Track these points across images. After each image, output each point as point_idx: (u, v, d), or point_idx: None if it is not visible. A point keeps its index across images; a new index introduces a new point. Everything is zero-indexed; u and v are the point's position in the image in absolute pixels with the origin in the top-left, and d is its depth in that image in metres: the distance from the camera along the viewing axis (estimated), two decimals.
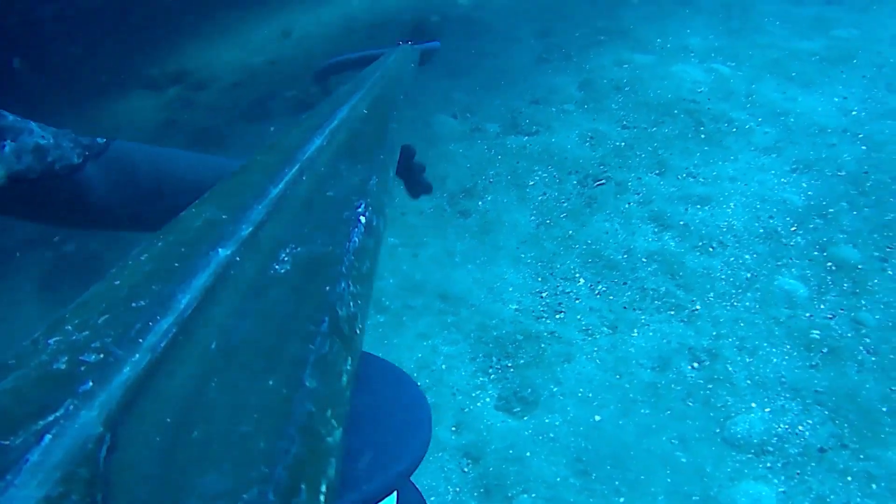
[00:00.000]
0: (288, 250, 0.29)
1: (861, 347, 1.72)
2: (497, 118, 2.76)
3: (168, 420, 0.19)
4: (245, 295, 0.26)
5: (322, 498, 0.18)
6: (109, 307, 0.24)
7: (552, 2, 3.51)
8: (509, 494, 1.52)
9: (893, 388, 1.59)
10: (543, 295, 2.01)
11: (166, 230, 0.31)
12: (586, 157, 2.46)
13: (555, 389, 1.73)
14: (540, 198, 2.36)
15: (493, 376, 1.79)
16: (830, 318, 1.81)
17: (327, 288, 0.26)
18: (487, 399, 1.74)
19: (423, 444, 0.70)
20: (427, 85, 2.89)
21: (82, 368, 0.21)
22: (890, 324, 1.77)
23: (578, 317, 1.92)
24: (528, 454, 1.59)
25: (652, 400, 1.66)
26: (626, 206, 2.26)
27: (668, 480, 1.48)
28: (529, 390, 1.72)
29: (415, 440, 0.69)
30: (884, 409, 1.56)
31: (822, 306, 1.85)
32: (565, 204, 2.32)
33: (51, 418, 0.18)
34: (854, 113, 2.52)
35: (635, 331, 1.84)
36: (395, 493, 0.68)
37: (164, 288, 0.25)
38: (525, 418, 1.68)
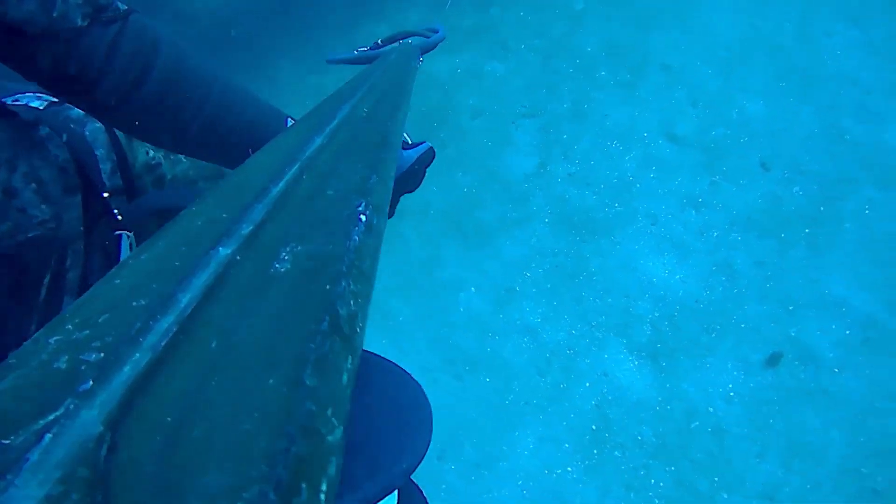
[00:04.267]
0: (288, 249, 0.29)
1: None
2: None
3: (168, 419, 0.19)
4: (245, 294, 0.26)
5: (323, 497, 0.18)
6: (110, 306, 0.24)
7: None
8: None
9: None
10: None
11: (166, 229, 0.31)
12: None
13: None
14: None
15: None
16: None
17: (328, 287, 0.26)
18: None
19: (424, 443, 0.69)
20: None
21: (83, 367, 0.21)
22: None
23: None
24: None
25: None
26: None
27: None
28: None
29: (416, 439, 0.69)
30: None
31: None
32: None
33: (51, 417, 0.18)
34: None
35: None
36: (395, 492, 0.68)
37: (165, 287, 0.25)
38: None
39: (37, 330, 0.64)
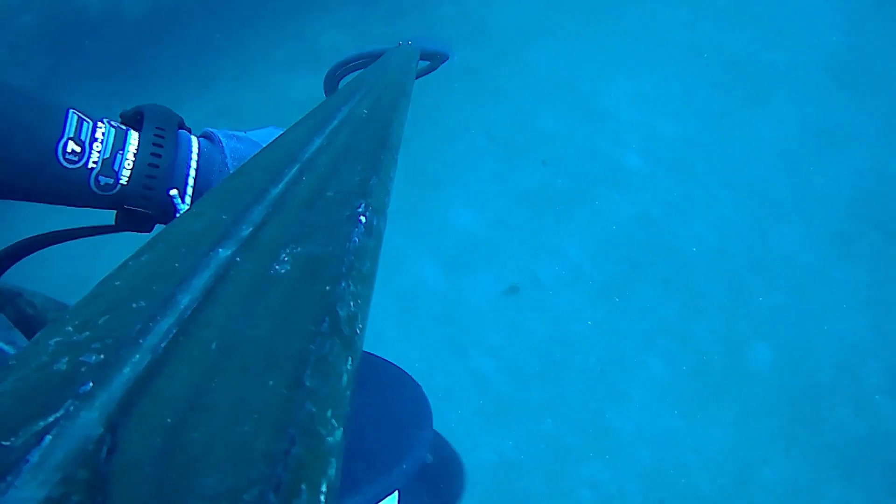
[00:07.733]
0: (288, 250, 0.29)
1: None
2: None
3: (168, 420, 0.19)
4: (245, 295, 0.26)
5: (323, 498, 0.18)
6: (110, 308, 0.24)
7: None
8: None
9: None
10: None
11: (166, 231, 0.31)
12: None
13: None
14: None
15: None
16: None
17: (328, 288, 0.26)
18: None
19: (423, 443, 0.70)
20: None
21: (83, 369, 0.21)
22: None
23: None
24: None
25: None
26: None
27: None
28: None
29: (416, 440, 0.69)
30: None
31: None
32: None
33: (51, 419, 0.18)
34: None
35: None
36: (396, 492, 0.68)
37: (165, 288, 0.25)
38: None
39: None
